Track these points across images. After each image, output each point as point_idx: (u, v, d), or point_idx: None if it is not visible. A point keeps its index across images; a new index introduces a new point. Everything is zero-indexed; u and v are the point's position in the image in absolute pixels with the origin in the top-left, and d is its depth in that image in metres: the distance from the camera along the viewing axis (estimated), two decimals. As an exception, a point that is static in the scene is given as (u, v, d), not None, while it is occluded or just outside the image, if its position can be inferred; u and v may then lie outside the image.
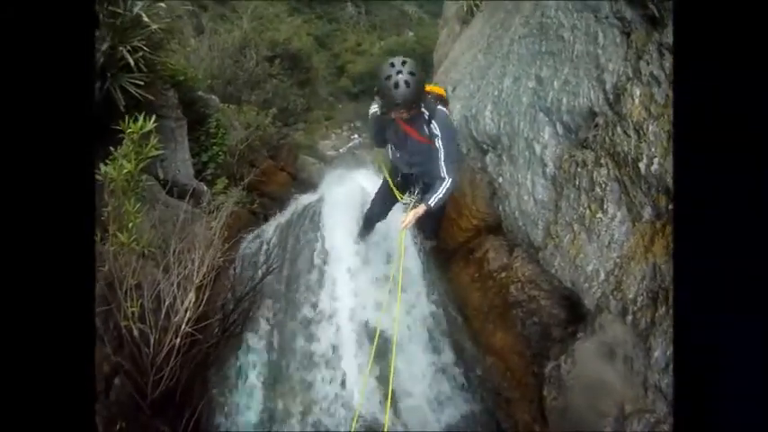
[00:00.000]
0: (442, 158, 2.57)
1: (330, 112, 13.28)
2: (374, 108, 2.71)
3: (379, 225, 3.90)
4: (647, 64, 2.22)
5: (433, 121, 2.55)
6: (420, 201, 2.67)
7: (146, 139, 3.00)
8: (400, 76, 2.33)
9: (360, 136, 13.04)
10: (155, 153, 3.00)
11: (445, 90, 2.99)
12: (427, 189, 2.73)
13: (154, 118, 2.96)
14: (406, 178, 2.99)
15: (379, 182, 3.44)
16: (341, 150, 11.97)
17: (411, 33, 17.16)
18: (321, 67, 10.99)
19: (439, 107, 2.60)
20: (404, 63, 2.37)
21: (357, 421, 2.18)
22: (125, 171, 2.87)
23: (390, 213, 3.48)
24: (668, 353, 1.88)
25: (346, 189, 4.90)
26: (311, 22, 14.92)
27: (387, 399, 2.01)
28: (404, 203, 2.89)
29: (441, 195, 2.58)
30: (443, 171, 2.58)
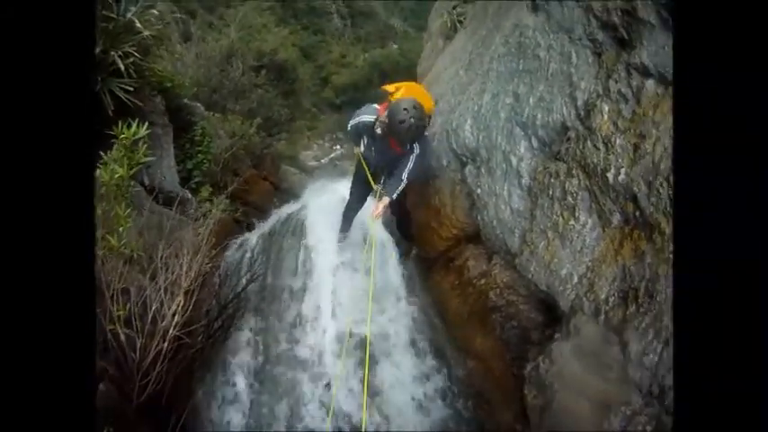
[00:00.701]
0: (408, 168, 3.23)
1: (313, 122, 13.34)
2: (370, 118, 3.30)
3: (363, 235, 4.02)
4: (616, 82, 2.40)
5: (416, 143, 3.20)
6: (384, 192, 3.32)
7: (136, 145, 3.06)
8: (412, 121, 2.96)
9: (341, 147, 13.10)
10: (146, 159, 3.06)
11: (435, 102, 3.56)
12: (388, 178, 3.36)
13: (146, 125, 3.02)
14: (374, 170, 3.55)
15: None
16: (323, 161, 11.98)
17: (395, 46, 17.36)
18: (306, 78, 11.08)
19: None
20: (415, 108, 2.97)
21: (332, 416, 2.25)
22: (117, 175, 2.90)
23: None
24: (641, 347, 2.02)
25: (329, 198, 4.98)
26: (297, 33, 15.00)
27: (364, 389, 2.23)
28: (374, 190, 3.50)
29: (398, 191, 3.27)
30: (404, 175, 3.23)
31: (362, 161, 3.59)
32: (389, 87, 3.53)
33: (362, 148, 3.53)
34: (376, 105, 3.43)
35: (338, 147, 13.35)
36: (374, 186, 3.51)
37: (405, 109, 2.97)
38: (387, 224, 4.32)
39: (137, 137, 2.96)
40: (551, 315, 2.75)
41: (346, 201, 4.07)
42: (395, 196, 3.27)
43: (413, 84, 3.63)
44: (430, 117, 3.51)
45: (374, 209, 3.32)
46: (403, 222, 4.04)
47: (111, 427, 2.35)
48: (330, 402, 2.83)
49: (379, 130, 3.22)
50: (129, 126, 2.99)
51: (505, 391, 2.78)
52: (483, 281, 3.18)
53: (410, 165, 3.21)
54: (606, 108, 2.42)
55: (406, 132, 3.02)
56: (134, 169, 3.00)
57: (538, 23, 3.02)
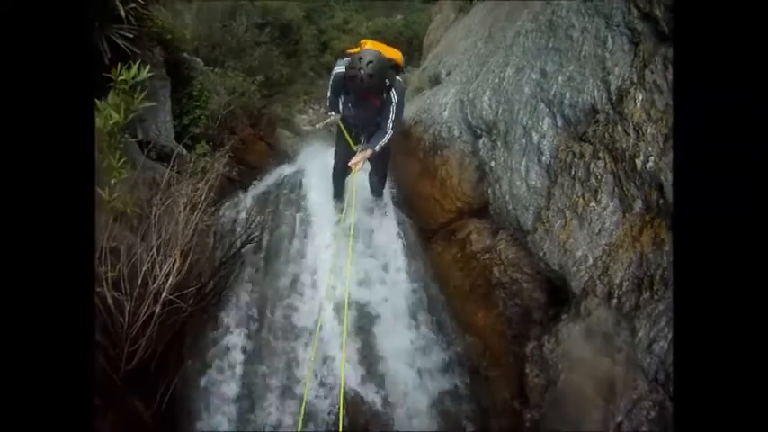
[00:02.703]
0: (392, 119, 3.18)
1: (310, 86, 13.02)
2: (341, 69, 3.21)
3: (362, 203, 3.93)
4: (652, 73, 2.35)
5: (392, 90, 3.13)
6: (367, 146, 3.29)
7: (134, 90, 2.87)
8: (363, 72, 2.89)
9: (336, 113, 12.76)
10: (145, 104, 2.88)
11: (401, 57, 3.61)
12: (369, 138, 3.32)
13: (148, 68, 2.83)
14: (355, 131, 3.54)
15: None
16: (317, 126, 11.65)
17: (400, 16, 16.94)
18: (308, 41, 10.77)
19: (397, 78, 3.19)
20: (368, 64, 2.90)
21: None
22: (112, 122, 2.73)
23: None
24: (651, 334, 2.01)
25: (325, 161, 4.84)
26: (300, -6, 14.49)
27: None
28: (356, 150, 3.45)
29: (383, 143, 3.23)
30: (389, 126, 3.19)
31: (342, 126, 3.59)
32: (354, 50, 3.50)
33: (341, 110, 3.47)
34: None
35: (333, 113, 12.97)
36: (355, 148, 3.48)
37: (360, 59, 2.95)
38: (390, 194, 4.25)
39: (138, 79, 2.79)
40: (555, 295, 2.75)
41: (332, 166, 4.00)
42: (377, 148, 3.25)
43: (374, 42, 3.61)
44: (398, 68, 3.56)
45: (354, 159, 3.29)
46: (377, 180, 4.01)
47: (96, 397, 2.20)
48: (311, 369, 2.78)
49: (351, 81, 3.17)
50: (129, 69, 2.82)
51: (504, 368, 2.78)
52: (487, 256, 3.16)
53: (392, 116, 3.19)
54: (640, 97, 2.38)
55: (359, 86, 2.99)
56: (131, 116, 2.82)
57: (572, 5, 2.95)
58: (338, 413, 2.26)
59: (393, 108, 3.17)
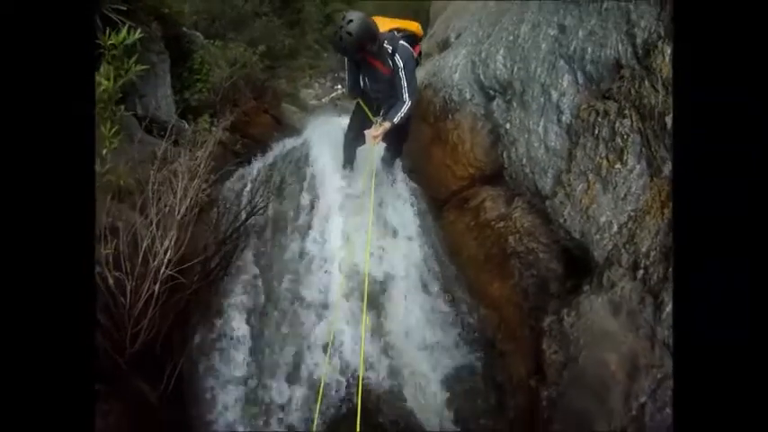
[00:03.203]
0: (405, 86, 3.07)
1: (315, 60, 12.70)
2: None
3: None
4: None
5: (396, 55, 3.05)
6: (386, 118, 3.19)
7: (125, 57, 2.72)
8: (342, 30, 2.88)
9: (343, 87, 12.57)
10: (138, 68, 2.73)
11: (420, 27, 3.54)
12: (389, 110, 3.21)
13: (139, 30, 2.68)
14: (375, 104, 3.46)
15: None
16: (323, 100, 11.50)
17: (406, -14, 16.41)
18: (312, 11, 10.44)
19: (401, 43, 3.10)
20: (349, 22, 2.88)
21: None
22: (101, 89, 2.59)
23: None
24: (679, 308, 1.85)
25: (332, 130, 4.69)
26: (302, -36, 13.95)
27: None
28: (374, 121, 3.38)
29: (402, 114, 3.11)
30: (405, 96, 3.08)
31: (362, 103, 3.52)
32: None
33: (362, 83, 3.41)
34: None
35: (339, 86, 12.74)
36: (374, 120, 3.41)
37: (343, 18, 2.96)
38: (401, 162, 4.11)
39: (127, 42, 2.64)
40: (573, 266, 2.61)
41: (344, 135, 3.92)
42: (396, 120, 3.13)
43: (384, 18, 3.53)
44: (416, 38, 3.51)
45: (372, 132, 3.23)
46: (390, 153, 3.95)
47: (100, 383, 2.16)
48: (332, 344, 2.68)
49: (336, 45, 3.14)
50: (118, 33, 2.67)
51: (520, 342, 2.65)
52: (501, 224, 3.03)
53: (404, 83, 3.08)
54: (668, 50, 2.20)
55: (338, 44, 2.97)
56: (120, 81, 2.67)
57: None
58: (355, 391, 2.20)
59: (402, 74, 3.07)
